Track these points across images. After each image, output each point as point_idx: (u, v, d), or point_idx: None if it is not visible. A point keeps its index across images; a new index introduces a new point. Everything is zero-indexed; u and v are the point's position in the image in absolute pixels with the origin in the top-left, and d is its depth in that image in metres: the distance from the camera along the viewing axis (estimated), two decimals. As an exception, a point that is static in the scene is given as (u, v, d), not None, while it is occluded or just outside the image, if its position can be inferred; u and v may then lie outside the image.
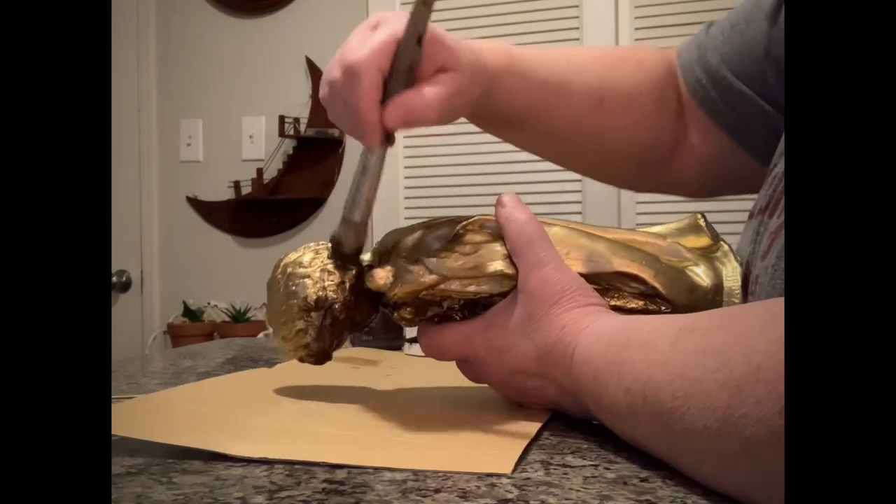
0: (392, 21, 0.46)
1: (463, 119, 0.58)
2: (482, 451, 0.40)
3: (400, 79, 0.45)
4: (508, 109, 0.56)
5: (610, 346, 0.40)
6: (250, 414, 0.48)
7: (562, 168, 0.69)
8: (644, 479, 0.35)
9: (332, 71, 0.47)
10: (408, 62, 0.45)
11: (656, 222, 0.55)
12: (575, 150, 0.65)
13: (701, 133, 0.64)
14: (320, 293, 0.48)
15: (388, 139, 0.47)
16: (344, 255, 0.49)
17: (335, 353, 0.51)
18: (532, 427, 0.44)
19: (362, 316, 0.50)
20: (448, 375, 0.54)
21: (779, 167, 0.48)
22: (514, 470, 0.36)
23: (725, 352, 0.31)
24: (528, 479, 0.35)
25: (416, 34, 0.44)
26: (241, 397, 0.54)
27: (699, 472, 0.33)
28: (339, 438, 0.42)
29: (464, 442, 0.42)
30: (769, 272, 0.44)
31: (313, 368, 0.52)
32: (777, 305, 0.30)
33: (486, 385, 0.50)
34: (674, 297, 0.47)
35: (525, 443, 0.40)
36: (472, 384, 0.51)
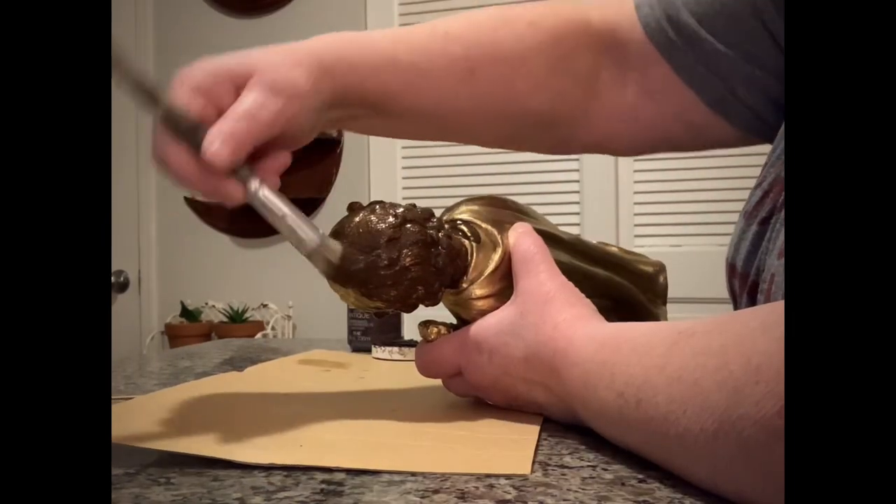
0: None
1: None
2: (493, 453, 0.40)
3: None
4: (363, 97, 0.51)
5: (602, 348, 0.40)
6: (243, 420, 0.47)
7: (561, 169, 0.68)
8: (642, 480, 0.35)
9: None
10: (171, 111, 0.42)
11: (656, 222, 0.55)
12: (453, 128, 0.59)
13: (650, 96, 0.57)
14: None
15: (251, 170, 0.46)
16: (340, 270, 0.44)
17: (303, 356, 0.50)
18: (533, 426, 0.44)
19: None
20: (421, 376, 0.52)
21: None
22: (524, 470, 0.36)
23: (726, 353, 0.31)
24: (525, 479, 0.35)
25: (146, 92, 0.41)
26: (224, 402, 0.53)
27: (695, 476, 0.33)
28: (343, 443, 0.42)
29: (470, 443, 0.41)
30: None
31: (284, 372, 0.51)
32: (781, 307, 0.29)
33: None
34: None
35: (534, 442, 0.41)
36: None
